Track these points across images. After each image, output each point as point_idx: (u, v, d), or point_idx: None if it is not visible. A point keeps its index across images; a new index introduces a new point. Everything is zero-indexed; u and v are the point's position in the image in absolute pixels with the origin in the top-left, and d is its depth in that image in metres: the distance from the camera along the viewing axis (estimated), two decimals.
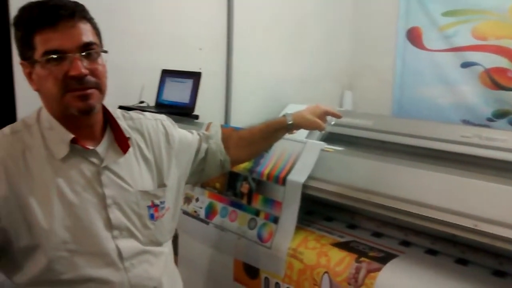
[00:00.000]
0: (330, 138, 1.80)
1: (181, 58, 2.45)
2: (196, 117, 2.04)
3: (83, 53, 0.93)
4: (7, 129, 0.99)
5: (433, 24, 3.14)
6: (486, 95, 2.98)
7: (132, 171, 1.05)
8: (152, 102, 2.26)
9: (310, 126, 1.32)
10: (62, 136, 0.97)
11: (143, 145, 1.10)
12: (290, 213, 1.43)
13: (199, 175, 1.28)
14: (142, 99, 2.29)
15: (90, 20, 0.97)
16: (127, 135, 1.06)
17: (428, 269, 1.21)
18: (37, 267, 0.94)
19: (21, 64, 0.97)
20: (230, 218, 1.62)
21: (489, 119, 2.99)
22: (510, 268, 1.18)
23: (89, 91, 0.95)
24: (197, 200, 1.75)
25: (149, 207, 1.06)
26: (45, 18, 0.91)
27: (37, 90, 0.97)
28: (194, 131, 1.29)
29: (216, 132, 1.32)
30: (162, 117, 1.20)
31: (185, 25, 2.50)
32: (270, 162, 1.54)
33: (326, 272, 1.29)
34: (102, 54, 0.98)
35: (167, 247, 1.14)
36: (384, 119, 2.25)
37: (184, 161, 1.20)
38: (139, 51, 2.29)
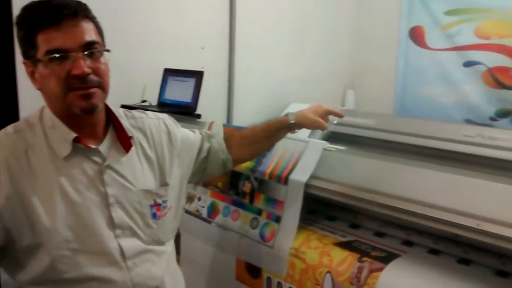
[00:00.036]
0: (332, 137, 1.79)
1: (183, 57, 2.45)
2: (198, 116, 2.03)
3: (86, 52, 0.93)
4: (10, 128, 0.99)
5: (436, 23, 3.13)
6: (489, 94, 2.97)
7: (135, 170, 1.05)
8: (154, 101, 2.26)
9: (312, 125, 1.32)
10: (64, 135, 0.97)
11: (145, 144, 1.10)
12: (292, 213, 1.43)
13: (201, 174, 1.28)
14: (144, 98, 2.29)
15: (92, 19, 0.97)
16: (130, 134, 1.06)
17: (430, 269, 1.21)
18: (39, 266, 0.94)
19: (24, 63, 0.97)
20: (232, 217, 1.62)
21: (492, 118, 2.98)
22: None
23: (92, 90, 0.95)
24: (199, 199, 1.75)
25: (151, 206, 1.06)
26: (47, 17, 0.91)
27: (40, 89, 0.97)
28: (196, 130, 1.29)
29: (218, 131, 1.32)
30: (164, 116, 1.20)
31: (187, 25, 2.50)
32: (272, 161, 1.54)
33: (328, 271, 1.29)
34: (105, 53, 0.98)
35: (169, 246, 1.14)
36: (387, 118, 2.24)
37: (186, 160, 1.20)
38: (141, 50, 2.29)
